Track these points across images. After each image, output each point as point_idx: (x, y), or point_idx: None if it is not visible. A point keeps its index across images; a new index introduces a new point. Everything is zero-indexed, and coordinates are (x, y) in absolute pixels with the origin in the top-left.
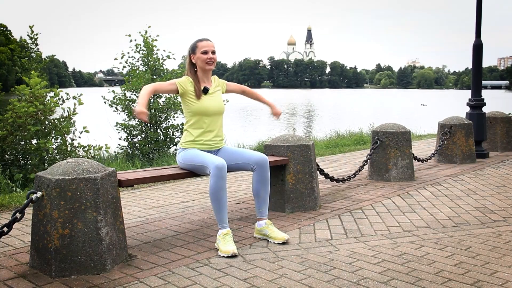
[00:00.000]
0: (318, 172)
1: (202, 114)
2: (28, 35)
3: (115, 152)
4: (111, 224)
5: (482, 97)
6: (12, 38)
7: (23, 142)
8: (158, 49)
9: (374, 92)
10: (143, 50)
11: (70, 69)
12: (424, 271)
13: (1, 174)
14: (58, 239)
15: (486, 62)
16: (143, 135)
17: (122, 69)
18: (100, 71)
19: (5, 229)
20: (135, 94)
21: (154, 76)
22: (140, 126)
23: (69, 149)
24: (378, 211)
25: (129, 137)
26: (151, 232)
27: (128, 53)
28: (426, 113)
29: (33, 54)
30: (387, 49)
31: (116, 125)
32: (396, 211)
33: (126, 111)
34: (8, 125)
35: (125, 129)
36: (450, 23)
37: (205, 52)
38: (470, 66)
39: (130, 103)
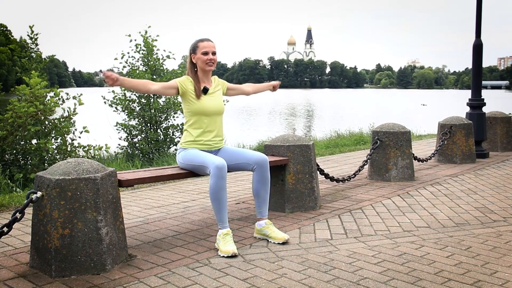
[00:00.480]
0: (318, 172)
1: (201, 114)
2: (28, 35)
3: (115, 152)
4: (111, 224)
5: (482, 97)
6: (12, 38)
7: (23, 142)
8: (158, 49)
9: (374, 92)
10: (143, 50)
11: (70, 69)
12: (424, 271)
13: (1, 174)
14: (58, 239)
15: (486, 62)
16: (143, 135)
17: (122, 69)
18: (100, 71)
19: (5, 229)
20: (135, 94)
21: (154, 76)
22: (140, 126)
23: (69, 149)
24: (378, 211)
25: (129, 137)
26: (151, 232)
27: (128, 53)
28: (426, 113)
29: (33, 54)
30: (387, 49)
31: (116, 125)
32: (396, 211)
33: (126, 111)
34: (8, 125)
35: (125, 129)
36: (450, 23)
37: (206, 53)
38: (470, 66)
39: (130, 103)
